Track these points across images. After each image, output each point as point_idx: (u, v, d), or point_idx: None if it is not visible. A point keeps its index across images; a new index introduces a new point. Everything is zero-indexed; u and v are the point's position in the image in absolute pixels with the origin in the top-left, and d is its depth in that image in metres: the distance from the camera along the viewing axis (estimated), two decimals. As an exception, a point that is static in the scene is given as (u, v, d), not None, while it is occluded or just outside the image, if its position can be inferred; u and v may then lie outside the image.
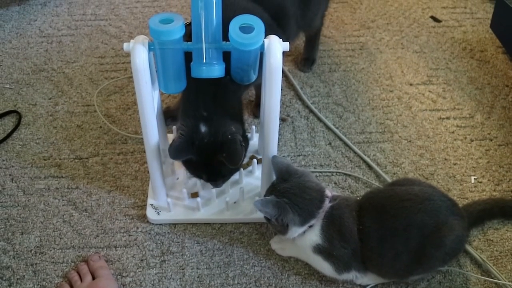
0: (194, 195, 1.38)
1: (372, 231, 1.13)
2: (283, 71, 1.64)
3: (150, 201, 1.37)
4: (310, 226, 1.16)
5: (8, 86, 1.74)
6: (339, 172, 1.48)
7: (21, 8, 2.05)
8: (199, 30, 1.07)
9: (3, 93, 1.71)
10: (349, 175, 1.47)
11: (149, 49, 1.09)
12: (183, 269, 1.26)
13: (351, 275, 1.20)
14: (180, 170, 1.43)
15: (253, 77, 1.16)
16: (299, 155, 1.52)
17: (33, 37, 1.92)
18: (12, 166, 1.49)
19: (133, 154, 1.52)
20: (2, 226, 1.35)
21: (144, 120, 1.18)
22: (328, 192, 1.18)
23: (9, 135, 1.58)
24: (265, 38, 1.08)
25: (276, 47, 1.08)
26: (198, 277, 1.25)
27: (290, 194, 1.13)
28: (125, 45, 1.09)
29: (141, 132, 1.26)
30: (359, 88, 1.72)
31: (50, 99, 1.69)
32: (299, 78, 1.75)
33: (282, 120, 1.60)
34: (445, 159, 1.51)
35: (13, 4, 2.07)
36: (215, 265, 1.27)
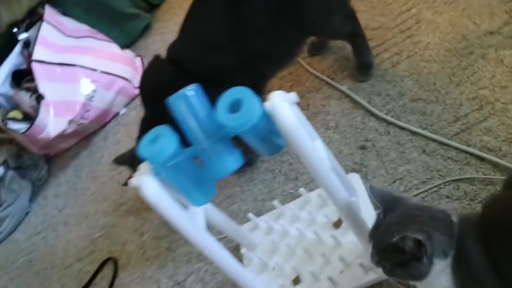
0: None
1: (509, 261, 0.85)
2: (343, 92, 1.44)
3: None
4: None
5: (97, 235, 1.71)
6: (447, 182, 1.19)
7: (89, 151, 2.06)
8: (193, 132, 0.91)
9: (96, 243, 1.69)
10: (460, 180, 1.18)
11: (157, 174, 0.95)
12: None
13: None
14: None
15: (283, 142, 0.96)
16: (394, 181, 1.26)
17: (105, 174, 1.90)
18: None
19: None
20: None
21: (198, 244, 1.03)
22: (454, 216, 0.92)
23: (111, 285, 1.53)
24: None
25: (281, 107, 0.88)
26: None
27: (419, 219, 0.88)
28: (131, 182, 0.96)
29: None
30: (432, 68, 1.43)
31: (135, 231, 1.63)
32: (362, 91, 1.50)
33: (362, 148, 1.36)
34: None
35: (82, 150, 2.09)
36: None
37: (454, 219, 0.91)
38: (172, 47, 1.43)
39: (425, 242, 0.84)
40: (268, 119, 0.89)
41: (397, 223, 0.89)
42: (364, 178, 1.29)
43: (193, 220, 1.02)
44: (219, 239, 1.35)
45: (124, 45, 2.38)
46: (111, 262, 1.60)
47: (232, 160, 0.93)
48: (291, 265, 1.21)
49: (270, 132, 0.92)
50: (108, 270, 1.59)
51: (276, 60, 1.38)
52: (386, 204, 0.92)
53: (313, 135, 1.00)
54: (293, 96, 0.90)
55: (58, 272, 1.71)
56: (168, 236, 1.53)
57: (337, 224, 1.23)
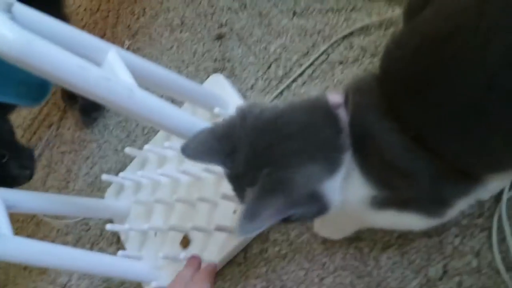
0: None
1: (427, 123, 0.53)
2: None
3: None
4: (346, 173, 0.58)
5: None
6: (335, 43, 0.86)
7: None
8: None
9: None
10: (351, 34, 0.85)
11: None
12: None
13: (458, 206, 0.60)
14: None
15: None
16: (269, 66, 0.92)
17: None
18: None
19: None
20: None
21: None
22: (333, 97, 0.60)
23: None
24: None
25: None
26: None
27: (265, 157, 0.56)
28: None
29: None
30: None
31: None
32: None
33: (219, 38, 1.00)
34: None
35: None
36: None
37: (337, 98, 0.59)
38: None
39: (280, 197, 0.55)
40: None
41: (245, 172, 0.57)
42: (231, 74, 0.95)
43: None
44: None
45: None
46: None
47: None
48: (173, 225, 0.87)
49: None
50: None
51: None
52: (220, 153, 0.59)
53: (90, 48, 0.63)
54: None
55: None
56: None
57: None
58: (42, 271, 1.14)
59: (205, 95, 0.85)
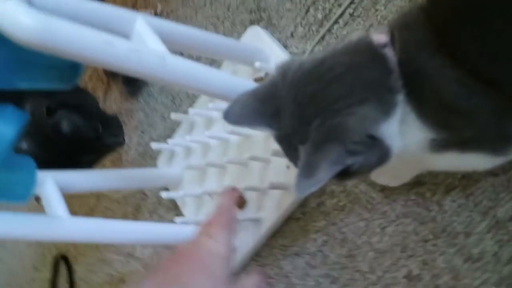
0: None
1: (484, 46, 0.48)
2: None
3: None
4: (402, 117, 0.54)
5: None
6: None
7: None
8: None
9: (43, 244, 1.38)
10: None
11: None
12: None
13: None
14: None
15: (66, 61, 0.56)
16: (307, 11, 0.87)
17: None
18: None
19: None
20: None
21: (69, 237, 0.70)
22: (377, 36, 0.55)
23: (71, 286, 1.26)
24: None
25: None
26: None
27: (315, 106, 0.52)
28: None
29: None
30: None
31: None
32: None
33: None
34: None
35: None
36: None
37: (382, 37, 0.54)
38: None
39: (336, 145, 0.50)
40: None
41: (294, 130, 0.54)
42: (269, 24, 0.90)
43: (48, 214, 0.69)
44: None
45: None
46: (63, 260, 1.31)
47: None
48: (226, 186, 0.86)
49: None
50: (64, 270, 1.30)
51: None
52: (264, 114, 0.56)
53: (116, 20, 0.61)
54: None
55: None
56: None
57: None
58: (109, 243, 1.17)
59: (243, 50, 0.82)
